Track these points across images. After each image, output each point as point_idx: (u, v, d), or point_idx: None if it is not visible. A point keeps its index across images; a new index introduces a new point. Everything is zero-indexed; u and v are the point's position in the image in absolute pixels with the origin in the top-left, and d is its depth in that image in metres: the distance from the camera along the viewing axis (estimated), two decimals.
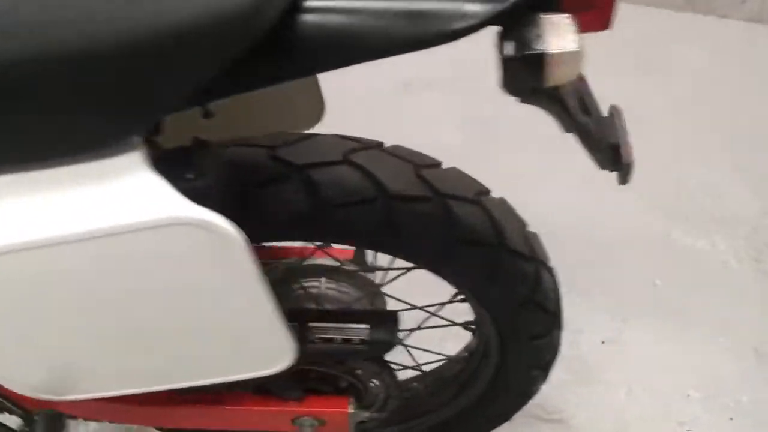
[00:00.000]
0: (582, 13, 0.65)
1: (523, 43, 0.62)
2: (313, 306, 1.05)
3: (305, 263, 1.09)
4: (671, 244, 1.80)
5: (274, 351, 0.82)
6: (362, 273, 1.11)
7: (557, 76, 0.62)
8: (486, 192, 0.94)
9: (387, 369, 1.04)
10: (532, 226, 1.00)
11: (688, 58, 2.45)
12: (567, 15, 0.64)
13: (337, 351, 0.94)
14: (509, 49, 0.63)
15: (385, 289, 1.15)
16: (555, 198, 1.87)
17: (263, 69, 0.66)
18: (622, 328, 1.60)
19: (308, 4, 0.65)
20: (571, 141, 0.78)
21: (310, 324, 0.95)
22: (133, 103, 0.63)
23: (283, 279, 1.10)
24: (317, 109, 1.00)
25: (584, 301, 1.66)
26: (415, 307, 1.14)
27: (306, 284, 1.09)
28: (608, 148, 0.83)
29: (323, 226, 0.86)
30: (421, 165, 0.89)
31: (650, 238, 1.82)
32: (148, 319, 0.76)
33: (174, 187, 0.67)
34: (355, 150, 0.88)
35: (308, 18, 0.65)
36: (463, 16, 0.63)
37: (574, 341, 1.57)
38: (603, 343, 1.57)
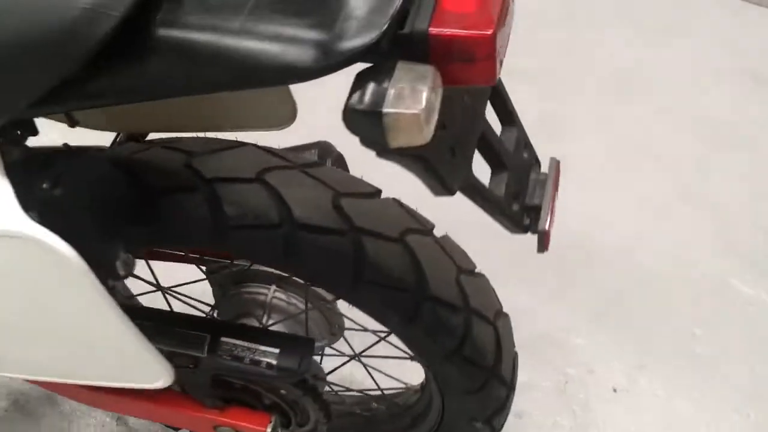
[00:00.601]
0: (461, 65, 0.55)
1: (367, 95, 0.53)
2: (227, 319, 1.01)
3: (257, 268, 1.05)
4: (726, 290, 1.61)
5: (142, 369, 0.78)
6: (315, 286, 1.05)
7: (399, 139, 0.53)
8: (422, 230, 0.85)
9: (312, 394, 0.98)
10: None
11: None
12: (430, 67, 0.54)
13: (243, 370, 0.89)
14: (351, 98, 0.54)
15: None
16: (613, 219, 1.71)
17: (104, 85, 0.61)
18: (640, 376, 1.45)
19: (160, 16, 0.59)
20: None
21: (223, 338, 0.90)
22: None
23: (230, 282, 1.07)
24: (289, 110, 0.94)
25: (608, 338, 1.52)
26: (365, 330, 1.07)
27: (253, 291, 1.05)
28: (527, 210, 0.72)
29: (222, 243, 0.81)
30: (346, 193, 0.81)
31: (704, 280, 1.62)
32: (7, 319, 0.74)
33: (21, 195, 0.64)
34: (275, 168, 0.81)
35: (157, 33, 0.59)
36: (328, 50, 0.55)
37: (582, 381, 1.45)
38: (615, 390, 1.43)
